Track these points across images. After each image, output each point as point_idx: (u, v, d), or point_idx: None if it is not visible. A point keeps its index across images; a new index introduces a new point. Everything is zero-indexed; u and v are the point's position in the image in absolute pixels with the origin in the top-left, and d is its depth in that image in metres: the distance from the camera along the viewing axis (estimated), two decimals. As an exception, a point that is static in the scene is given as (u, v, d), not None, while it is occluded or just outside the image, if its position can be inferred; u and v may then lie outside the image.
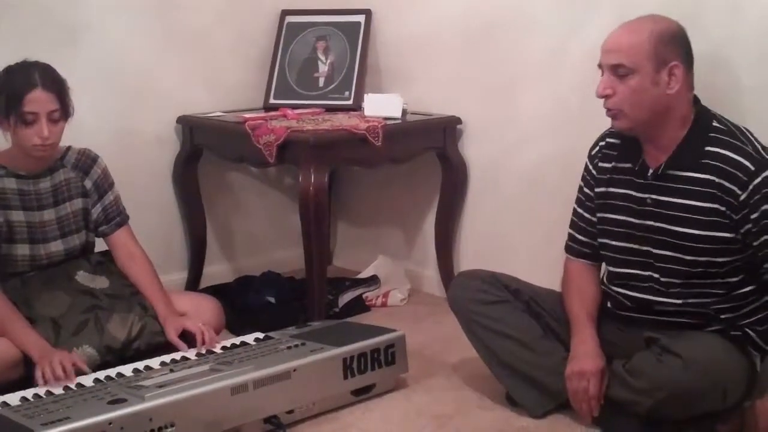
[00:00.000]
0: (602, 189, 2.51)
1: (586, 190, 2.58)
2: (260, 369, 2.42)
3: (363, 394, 2.65)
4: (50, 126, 2.58)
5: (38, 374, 2.41)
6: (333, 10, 3.76)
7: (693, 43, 2.37)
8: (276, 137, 3.13)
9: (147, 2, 3.42)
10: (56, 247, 2.75)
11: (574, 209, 2.63)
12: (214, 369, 2.43)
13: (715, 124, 2.34)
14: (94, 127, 3.11)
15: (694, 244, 2.32)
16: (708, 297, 2.36)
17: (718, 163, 2.28)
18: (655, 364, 2.31)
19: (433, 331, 3.23)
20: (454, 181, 3.51)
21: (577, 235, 2.61)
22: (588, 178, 2.57)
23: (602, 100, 2.38)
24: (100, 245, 2.91)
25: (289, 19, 3.78)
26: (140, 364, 2.52)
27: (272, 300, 3.48)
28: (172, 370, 2.44)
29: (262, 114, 3.49)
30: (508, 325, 2.59)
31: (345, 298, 3.51)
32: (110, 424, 2.12)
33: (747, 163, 2.25)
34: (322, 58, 3.72)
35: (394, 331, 2.75)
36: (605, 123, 2.52)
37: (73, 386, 2.38)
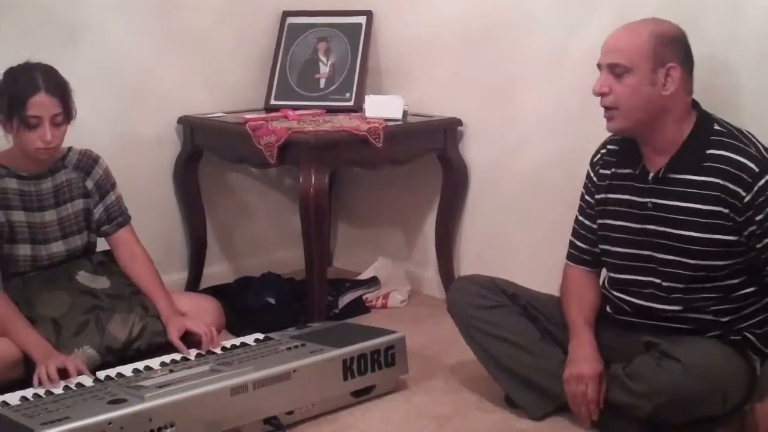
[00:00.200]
0: (602, 195, 2.51)
1: (587, 197, 2.58)
2: (260, 370, 2.42)
3: (363, 395, 2.65)
4: (53, 129, 2.59)
5: (36, 377, 2.41)
6: (334, 11, 3.77)
7: (693, 45, 2.37)
8: (277, 138, 3.13)
9: (147, 2, 3.42)
10: (57, 248, 2.76)
11: (576, 217, 2.63)
12: (214, 369, 2.43)
13: (716, 127, 2.34)
14: (95, 128, 3.11)
15: (697, 247, 2.32)
16: (708, 300, 2.35)
17: (721, 165, 2.28)
18: (654, 368, 2.31)
19: (433, 332, 3.23)
20: (454, 183, 3.51)
21: (578, 243, 2.61)
22: (589, 185, 2.57)
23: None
24: (101, 245, 2.91)
25: (290, 20, 3.78)
26: (140, 365, 2.52)
27: (272, 301, 3.48)
28: (172, 371, 2.44)
29: (263, 115, 3.49)
30: (505, 329, 2.59)
31: (345, 299, 3.51)
32: (110, 424, 2.12)
33: (751, 165, 2.25)
34: (323, 59, 3.72)
35: (394, 332, 2.75)
36: (605, 124, 2.52)
37: (73, 386, 2.38)
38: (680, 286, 2.36)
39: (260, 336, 2.78)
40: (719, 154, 2.29)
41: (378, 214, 3.95)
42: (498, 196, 3.45)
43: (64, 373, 2.42)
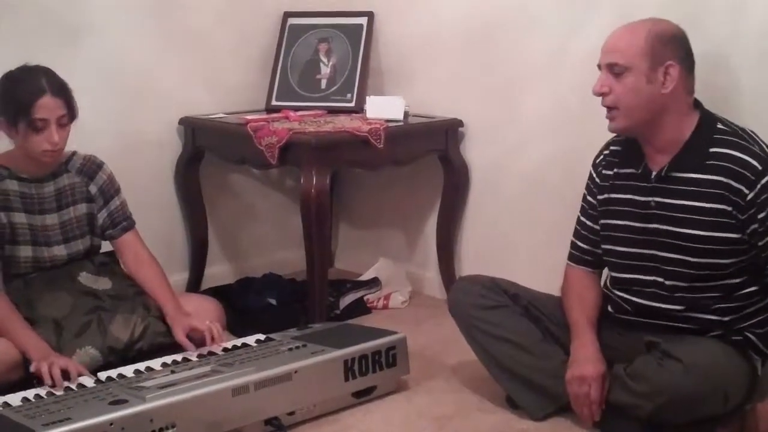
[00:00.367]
0: (605, 196, 2.51)
1: (589, 198, 2.58)
2: (261, 370, 2.42)
3: (364, 396, 2.65)
4: (59, 131, 2.60)
5: (35, 369, 2.41)
6: (335, 12, 3.77)
7: (693, 44, 2.38)
8: (278, 139, 3.13)
9: (148, 3, 3.42)
10: (59, 251, 2.76)
11: (578, 218, 2.63)
12: (215, 370, 2.43)
13: (719, 126, 2.35)
14: (95, 129, 3.11)
15: (700, 246, 2.32)
16: (710, 299, 2.35)
17: (724, 163, 2.28)
18: (656, 368, 2.31)
19: (434, 333, 3.23)
20: (455, 184, 3.52)
21: (580, 243, 2.62)
22: (591, 186, 2.58)
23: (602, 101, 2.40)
24: (104, 246, 2.91)
25: (292, 21, 3.78)
26: (141, 365, 2.52)
27: (273, 302, 3.48)
28: (173, 371, 2.44)
29: (264, 116, 3.49)
30: (507, 329, 2.59)
31: (346, 300, 3.51)
32: (111, 424, 2.12)
33: (754, 163, 2.26)
34: (324, 60, 3.72)
35: (395, 333, 2.75)
36: (606, 124, 2.52)
37: (74, 387, 2.38)
38: (683, 284, 2.36)
39: (261, 337, 2.78)
40: (722, 152, 2.30)
41: (379, 214, 3.95)
42: (499, 197, 3.45)
43: (64, 375, 2.42)
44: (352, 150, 3.22)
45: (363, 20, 3.71)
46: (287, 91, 3.70)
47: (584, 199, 2.61)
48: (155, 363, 2.54)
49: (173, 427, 2.22)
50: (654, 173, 2.39)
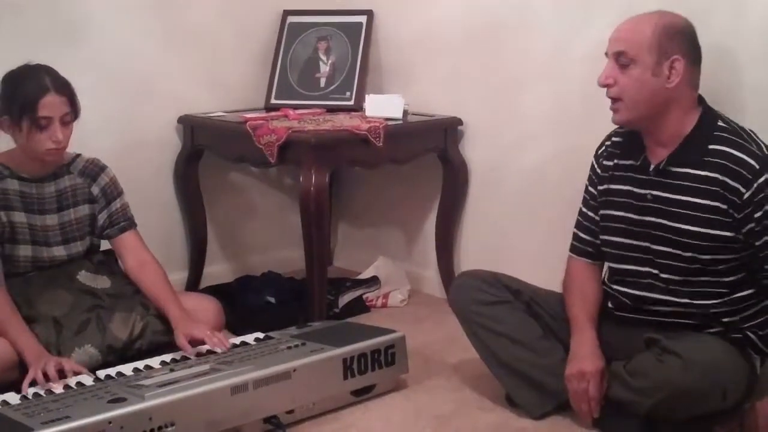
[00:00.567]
0: (604, 186, 2.52)
1: (590, 189, 2.59)
2: (260, 369, 2.42)
3: (363, 394, 2.65)
4: (63, 129, 2.60)
5: (27, 380, 2.38)
6: (335, 10, 3.77)
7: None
8: (277, 137, 3.13)
9: (148, 2, 3.42)
10: (59, 252, 2.75)
11: (580, 209, 2.64)
12: (214, 369, 2.42)
13: (720, 123, 2.35)
14: (95, 127, 3.11)
15: (693, 241, 2.32)
16: (707, 298, 2.36)
17: (722, 161, 2.28)
18: (655, 364, 2.31)
19: (433, 332, 3.23)
20: (454, 182, 3.52)
21: (581, 234, 2.62)
22: (593, 177, 2.58)
23: (604, 100, 2.39)
24: (103, 246, 2.91)
25: (291, 19, 3.78)
26: (140, 364, 2.52)
27: (272, 300, 3.48)
28: (172, 370, 2.44)
29: (264, 114, 3.49)
30: (507, 325, 2.59)
31: (345, 298, 3.51)
32: (110, 423, 2.12)
33: (752, 162, 2.26)
34: (324, 58, 3.72)
35: (394, 331, 2.75)
36: (607, 123, 2.52)
37: (73, 385, 2.38)
38: (677, 278, 2.37)
39: (260, 335, 2.78)
40: (720, 150, 2.30)
41: (378, 213, 3.95)
42: (498, 196, 3.45)
43: (60, 375, 2.41)
44: (352, 148, 3.21)
45: (362, 18, 3.71)
46: (286, 89, 3.70)
47: (586, 190, 2.61)
48: (154, 361, 2.54)
49: (172, 425, 2.22)
50: (653, 166, 2.39)
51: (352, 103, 3.62)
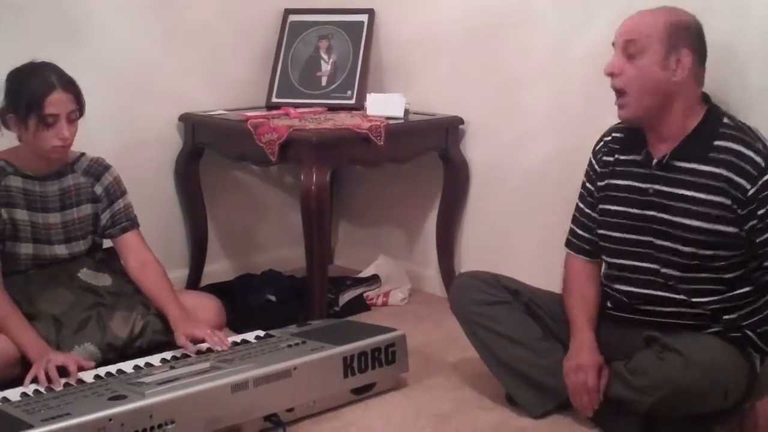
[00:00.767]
0: (605, 182, 2.52)
1: (588, 185, 2.59)
2: (261, 367, 2.42)
3: (363, 392, 2.65)
4: (69, 126, 2.60)
5: (30, 377, 2.39)
6: (336, 9, 3.77)
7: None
8: (278, 136, 3.13)
9: (149, 0, 3.42)
10: (60, 250, 2.75)
11: (577, 204, 2.64)
12: (214, 366, 2.43)
13: (725, 120, 2.36)
14: (96, 126, 3.10)
15: (693, 236, 2.32)
16: (706, 295, 2.35)
17: (727, 157, 2.29)
18: (655, 362, 2.31)
19: (434, 330, 3.23)
20: (455, 181, 3.52)
21: (578, 230, 2.62)
22: (591, 173, 2.58)
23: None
24: (104, 244, 2.91)
25: (292, 17, 3.78)
26: (141, 361, 2.52)
27: (273, 298, 3.48)
28: (172, 367, 2.44)
29: (265, 112, 3.49)
30: (507, 325, 2.60)
31: (346, 297, 3.51)
32: (110, 420, 2.12)
33: (758, 159, 2.26)
34: (325, 57, 3.72)
35: (394, 330, 2.75)
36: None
37: (73, 383, 2.38)
38: (677, 273, 2.37)
39: (261, 333, 2.78)
40: (726, 146, 2.30)
41: (379, 212, 3.95)
42: (499, 195, 3.45)
43: (64, 372, 2.41)
44: (353, 147, 3.22)
45: (364, 17, 3.71)
46: (288, 88, 3.70)
47: (583, 186, 2.61)
48: (155, 359, 2.54)
49: (172, 422, 2.22)
50: (655, 160, 2.40)
51: (353, 101, 3.62)
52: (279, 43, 3.76)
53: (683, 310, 2.38)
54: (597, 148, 2.58)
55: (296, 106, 3.56)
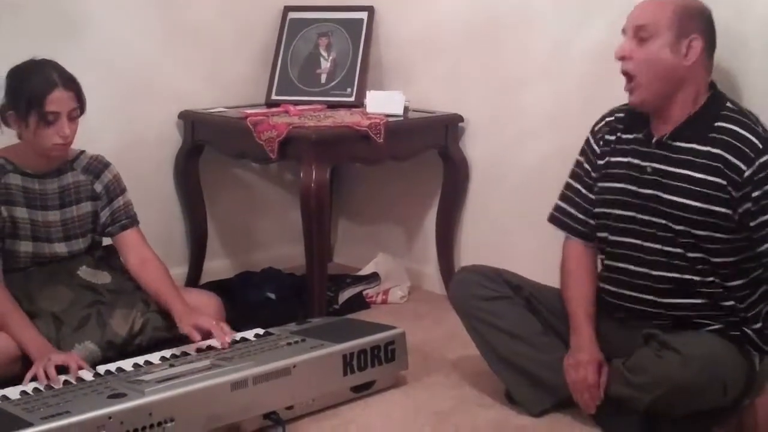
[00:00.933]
0: (605, 160, 2.52)
1: (585, 165, 2.57)
2: (260, 365, 2.42)
3: (363, 390, 2.65)
4: (69, 124, 2.59)
5: (29, 375, 2.39)
6: (336, 6, 3.76)
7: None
8: (278, 133, 3.13)
9: (149, -3, 3.43)
10: (60, 248, 2.75)
11: (569, 185, 2.62)
12: (214, 364, 2.43)
13: (728, 105, 2.37)
14: (96, 123, 3.10)
15: (686, 215, 2.32)
16: (706, 275, 2.35)
17: (725, 137, 2.29)
18: (654, 359, 2.31)
19: (433, 328, 3.23)
20: (455, 179, 3.52)
21: (575, 212, 2.60)
22: (588, 152, 2.57)
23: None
24: (104, 242, 2.90)
25: (292, 15, 3.78)
26: (140, 359, 2.52)
27: (272, 296, 3.48)
28: (172, 365, 2.44)
29: (264, 110, 3.48)
30: (507, 320, 2.60)
31: (345, 294, 3.51)
32: (110, 418, 2.12)
33: (755, 140, 2.27)
34: (325, 54, 3.72)
35: (394, 328, 2.75)
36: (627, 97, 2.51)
37: (73, 380, 2.38)
38: (678, 251, 2.35)
39: (260, 331, 2.78)
40: (725, 127, 2.31)
41: (379, 209, 3.95)
42: (499, 193, 3.45)
43: (64, 371, 2.41)
44: (352, 145, 3.21)
45: (363, 15, 3.71)
46: (287, 85, 3.70)
47: (579, 166, 2.60)
48: (154, 357, 2.54)
49: (172, 420, 2.22)
50: (655, 139, 2.40)
51: (352, 99, 3.62)
52: (279, 41, 3.75)
53: (684, 296, 2.37)
54: (597, 128, 2.57)
55: (296, 103, 3.56)
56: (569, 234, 2.64)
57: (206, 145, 3.54)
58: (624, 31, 2.40)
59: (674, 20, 2.31)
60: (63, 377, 2.39)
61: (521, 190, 3.36)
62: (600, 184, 2.53)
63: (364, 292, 3.58)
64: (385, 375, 2.70)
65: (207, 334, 2.62)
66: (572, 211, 2.61)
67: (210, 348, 2.61)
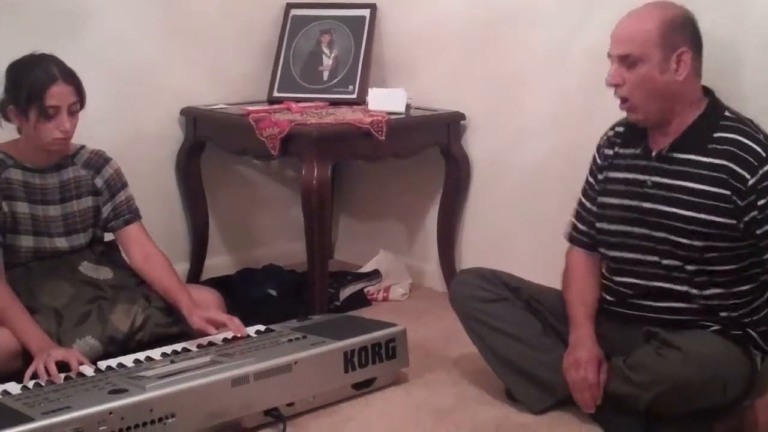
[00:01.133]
0: (603, 175, 2.52)
1: (590, 179, 2.60)
2: (261, 361, 2.42)
3: (363, 387, 2.66)
4: (70, 118, 2.60)
5: (30, 371, 2.39)
6: (338, 3, 3.76)
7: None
8: (279, 130, 3.13)
9: (151, -6, 3.43)
10: (61, 243, 2.75)
11: (579, 199, 2.64)
12: (215, 360, 2.43)
13: (726, 113, 2.36)
14: (97, 119, 3.09)
15: (690, 227, 2.32)
16: (707, 287, 2.35)
17: (729, 147, 2.29)
18: (655, 357, 2.31)
19: (434, 326, 3.23)
20: (456, 177, 3.52)
21: (579, 224, 2.63)
22: (593, 167, 2.59)
23: (608, 94, 2.39)
24: (106, 237, 2.90)
25: (294, 12, 3.78)
26: (141, 355, 2.53)
27: (273, 293, 3.48)
28: (173, 361, 2.44)
29: (266, 107, 3.49)
30: (507, 322, 2.59)
31: (346, 291, 3.51)
32: (111, 413, 2.12)
33: (758, 149, 2.26)
34: (327, 51, 3.71)
35: (395, 325, 2.75)
36: (609, 118, 2.52)
37: (73, 376, 2.38)
38: (677, 264, 2.36)
39: (261, 328, 2.78)
40: (727, 137, 2.30)
41: (380, 207, 3.95)
42: (500, 190, 3.45)
43: (65, 367, 2.41)
44: (354, 142, 3.21)
45: (365, 12, 3.70)
46: (289, 82, 3.70)
47: (586, 180, 2.62)
48: (155, 353, 2.55)
49: (173, 416, 2.22)
50: (654, 152, 2.39)
51: (354, 96, 3.62)
52: (281, 38, 3.75)
53: (684, 305, 2.38)
54: (600, 142, 2.58)
55: (298, 100, 3.56)
56: (571, 243, 2.65)
57: (208, 141, 3.54)
58: (609, 55, 2.38)
59: (659, 40, 2.29)
60: (63, 375, 2.39)
61: (522, 187, 3.36)
62: (600, 200, 2.53)
63: (365, 290, 3.58)
64: (385, 372, 2.70)
65: (219, 328, 2.62)
66: (576, 223, 2.63)
67: (211, 344, 2.61)
